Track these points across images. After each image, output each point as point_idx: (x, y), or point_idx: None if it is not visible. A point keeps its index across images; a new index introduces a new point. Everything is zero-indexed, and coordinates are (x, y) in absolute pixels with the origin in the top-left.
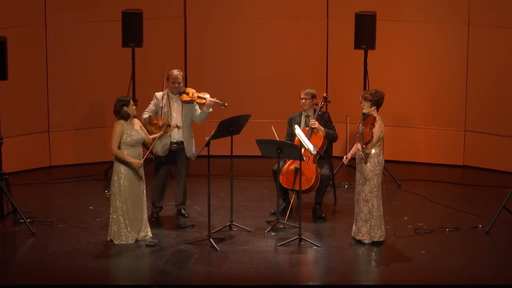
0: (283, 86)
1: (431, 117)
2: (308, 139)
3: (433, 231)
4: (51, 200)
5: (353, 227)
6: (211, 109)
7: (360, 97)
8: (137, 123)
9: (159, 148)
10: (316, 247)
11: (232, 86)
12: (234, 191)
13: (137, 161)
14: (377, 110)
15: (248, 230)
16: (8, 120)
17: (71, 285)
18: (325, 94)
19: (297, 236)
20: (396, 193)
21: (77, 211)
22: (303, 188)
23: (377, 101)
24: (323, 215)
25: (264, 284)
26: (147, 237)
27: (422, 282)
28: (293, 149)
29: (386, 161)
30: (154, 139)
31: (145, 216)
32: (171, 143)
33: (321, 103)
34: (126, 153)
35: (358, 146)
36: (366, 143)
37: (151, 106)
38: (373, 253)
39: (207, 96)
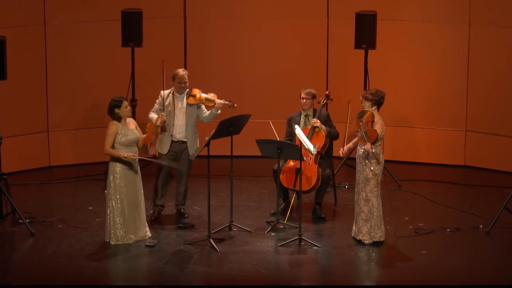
0: (283, 86)
1: (431, 117)
2: (310, 138)
3: (434, 231)
4: (50, 200)
5: (353, 228)
6: (219, 111)
7: (361, 97)
8: (132, 122)
9: (161, 145)
10: (316, 247)
11: (232, 86)
12: (234, 191)
13: (130, 155)
14: (378, 110)
15: (248, 231)
16: (8, 120)
17: (71, 285)
18: (327, 92)
19: (297, 237)
20: (397, 193)
21: (76, 212)
22: (304, 189)
23: (378, 101)
24: (323, 216)
25: (264, 285)
26: (146, 238)
27: (423, 283)
28: (293, 149)
29: (386, 161)
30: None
31: (144, 216)
32: (173, 141)
33: (323, 101)
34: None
35: (361, 144)
36: (375, 142)
37: (156, 105)
38: (374, 254)
39: (215, 99)
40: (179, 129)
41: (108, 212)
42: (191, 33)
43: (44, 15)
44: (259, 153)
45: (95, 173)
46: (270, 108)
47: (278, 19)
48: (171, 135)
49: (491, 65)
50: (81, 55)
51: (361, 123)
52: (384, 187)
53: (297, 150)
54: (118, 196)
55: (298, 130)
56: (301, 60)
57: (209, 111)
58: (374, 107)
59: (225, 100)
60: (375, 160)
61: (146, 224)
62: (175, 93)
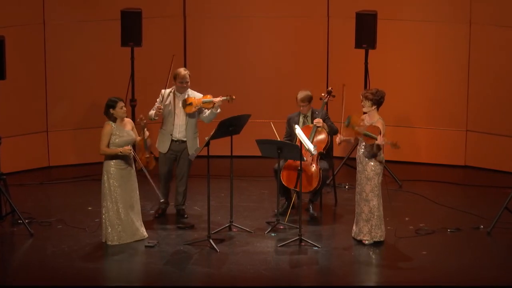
0: (283, 86)
1: (432, 117)
2: (313, 138)
3: (435, 231)
4: (49, 201)
5: (354, 228)
6: (219, 110)
7: (361, 96)
8: (129, 123)
9: (161, 145)
10: (316, 248)
11: (232, 86)
12: (234, 191)
13: (126, 148)
14: (378, 110)
15: (248, 231)
16: (7, 120)
17: (70, 286)
18: (330, 88)
19: (297, 237)
20: (397, 194)
21: (75, 212)
22: (306, 190)
23: (378, 100)
24: (315, 215)
25: (264, 285)
26: (143, 238)
27: (423, 283)
28: (293, 149)
29: (386, 161)
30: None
31: (139, 216)
32: (173, 141)
33: (325, 98)
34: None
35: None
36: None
37: (157, 104)
38: (374, 254)
39: (213, 99)
40: (179, 129)
41: (103, 212)
42: (190, 32)
43: (44, 15)
44: (259, 153)
45: (95, 173)
46: (270, 108)
47: (278, 19)
48: (171, 134)
49: (492, 65)
50: (80, 55)
51: (356, 128)
52: (384, 187)
53: (297, 150)
54: (112, 196)
55: (298, 130)
56: (301, 60)
57: (209, 110)
58: (374, 107)
59: (223, 96)
60: (377, 159)
61: (142, 224)
62: (176, 92)
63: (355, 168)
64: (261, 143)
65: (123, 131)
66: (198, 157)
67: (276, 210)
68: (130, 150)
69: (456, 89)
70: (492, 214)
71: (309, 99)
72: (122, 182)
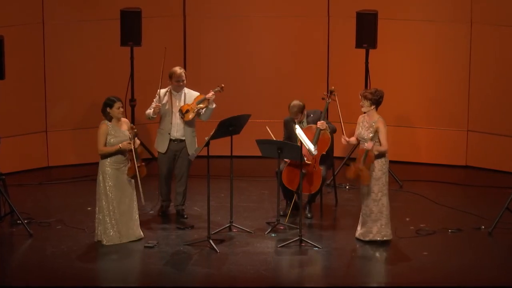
0: (283, 86)
1: (433, 117)
2: (316, 141)
3: (435, 232)
4: (49, 201)
5: (358, 228)
6: (214, 105)
7: (360, 96)
8: (126, 124)
9: (159, 145)
10: (317, 248)
11: (232, 86)
12: (234, 191)
13: (125, 143)
14: (376, 109)
15: (248, 231)
16: (6, 120)
17: (69, 286)
18: (332, 87)
19: (298, 238)
20: (398, 194)
21: (75, 212)
22: (308, 193)
23: (377, 100)
24: (309, 216)
25: (265, 286)
26: (140, 238)
27: (424, 284)
28: (293, 149)
29: None
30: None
31: (136, 216)
32: (171, 140)
33: (327, 98)
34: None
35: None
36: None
37: (153, 104)
38: (375, 255)
39: (204, 96)
40: (177, 128)
41: (98, 212)
42: (190, 32)
43: (43, 14)
44: (259, 153)
45: (94, 174)
46: (270, 108)
47: (278, 19)
48: (169, 134)
49: (493, 65)
50: (79, 54)
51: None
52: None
53: (297, 150)
54: (108, 196)
55: (298, 130)
56: (301, 60)
57: (206, 108)
58: (372, 106)
59: (213, 90)
60: (382, 158)
61: (139, 224)
62: (172, 91)
63: None
64: (261, 143)
65: (119, 131)
66: (198, 157)
67: (281, 212)
68: (130, 144)
69: (457, 89)
70: (493, 214)
71: (299, 109)
72: (118, 182)
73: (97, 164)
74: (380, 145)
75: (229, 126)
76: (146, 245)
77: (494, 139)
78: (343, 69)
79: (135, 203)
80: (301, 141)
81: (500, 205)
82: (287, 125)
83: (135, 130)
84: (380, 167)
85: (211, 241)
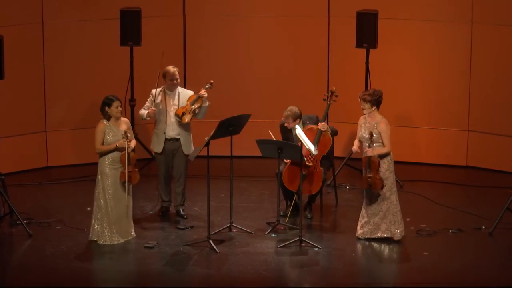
0: (283, 86)
1: (433, 117)
2: (317, 142)
3: (436, 232)
4: (48, 201)
5: (364, 228)
6: (208, 102)
7: (359, 99)
8: (124, 123)
9: (155, 145)
10: (317, 248)
11: (232, 86)
12: (234, 192)
13: (121, 142)
14: (378, 109)
15: (248, 232)
16: (5, 120)
17: (69, 287)
18: (333, 88)
19: (298, 238)
20: (398, 194)
21: (74, 212)
22: (309, 193)
23: (377, 100)
24: (309, 217)
25: (265, 286)
26: (130, 238)
27: (425, 284)
28: (293, 149)
29: None
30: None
31: (130, 216)
32: (167, 139)
33: (328, 99)
34: (109, 155)
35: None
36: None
37: (147, 104)
38: (375, 255)
39: (197, 95)
40: (172, 127)
41: (95, 210)
42: (190, 32)
43: (42, 14)
44: (259, 153)
45: (94, 174)
46: (270, 108)
47: (278, 18)
48: (164, 133)
49: (494, 65)
50: (79, 54)
51: (367, 173)
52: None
53: (297, 150)
54: (106, 195)
55: (298, 130)
56: (301, 60)
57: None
58: (373, 107)
59: (203, 88)
60: (388, 157)
61: (132, 224)
62: (166, 90)
63: (356, 168)
64: (261, 143)
65: (118, 131)
66: (198, 157)
67: (282, 212)
68: (125, 141)
69: (457, 89)
70: (494, 214)
71: (292, 116)
72: (115, 182)
73: (96, 164)
74: (383, 145)
75: (229, 126)
76: (146, 245)
77: (494, 139)
78: (343, 69)
79: (131, 203)
80: (301, 141)
81: (500, 205)
82: (282, 129)
83: (128, 135)
84: (387, 166)
85: (211, 241)
